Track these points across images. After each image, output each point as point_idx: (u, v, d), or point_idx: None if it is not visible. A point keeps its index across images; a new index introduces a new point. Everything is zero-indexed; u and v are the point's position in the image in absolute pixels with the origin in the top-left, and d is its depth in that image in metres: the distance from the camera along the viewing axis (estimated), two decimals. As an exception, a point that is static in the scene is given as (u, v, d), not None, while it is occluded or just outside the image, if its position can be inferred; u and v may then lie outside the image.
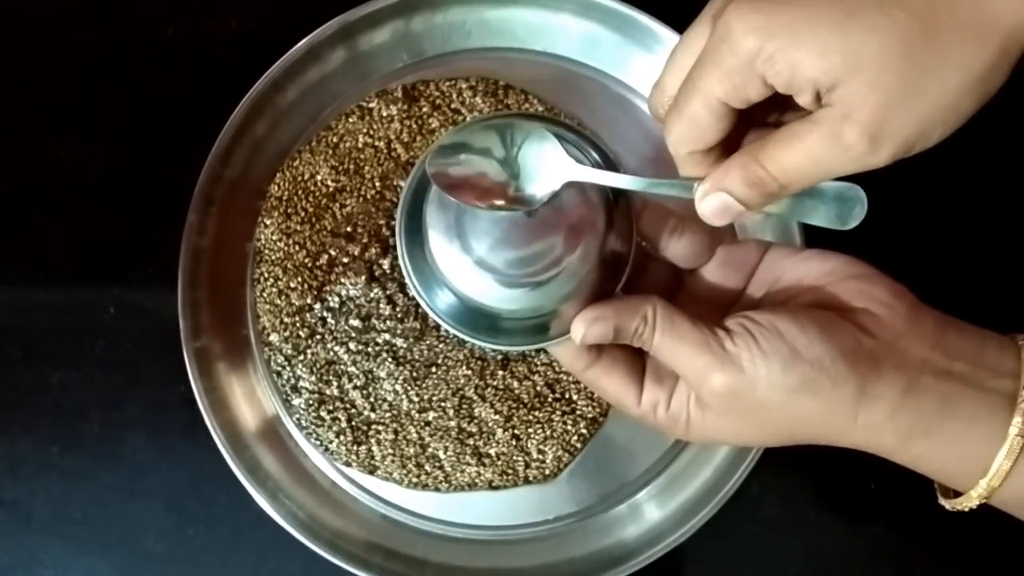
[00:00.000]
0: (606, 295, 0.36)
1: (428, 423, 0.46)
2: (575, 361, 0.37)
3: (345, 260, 0.47)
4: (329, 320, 0.47)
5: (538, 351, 0.47)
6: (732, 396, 0.34)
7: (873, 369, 0.33)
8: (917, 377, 0.33)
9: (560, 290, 0.35)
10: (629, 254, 0.37)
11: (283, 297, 0.47)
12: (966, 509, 0.35)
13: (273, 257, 0.48)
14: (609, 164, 0.37)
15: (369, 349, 0.47)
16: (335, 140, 0.49)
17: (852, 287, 0.35)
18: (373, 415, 0.47)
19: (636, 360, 0.37)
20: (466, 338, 0.37)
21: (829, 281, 0.36)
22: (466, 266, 0.35)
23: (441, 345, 0.47)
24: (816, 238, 0.38)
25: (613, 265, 0.37)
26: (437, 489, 0.46)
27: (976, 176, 0.51)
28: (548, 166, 0.35)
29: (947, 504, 0.36)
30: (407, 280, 0.37)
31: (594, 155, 0.37)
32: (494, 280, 0.35)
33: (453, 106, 0.49)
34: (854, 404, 0.33)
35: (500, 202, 0.35)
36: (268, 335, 0.47)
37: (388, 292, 0.47)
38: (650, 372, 0.37)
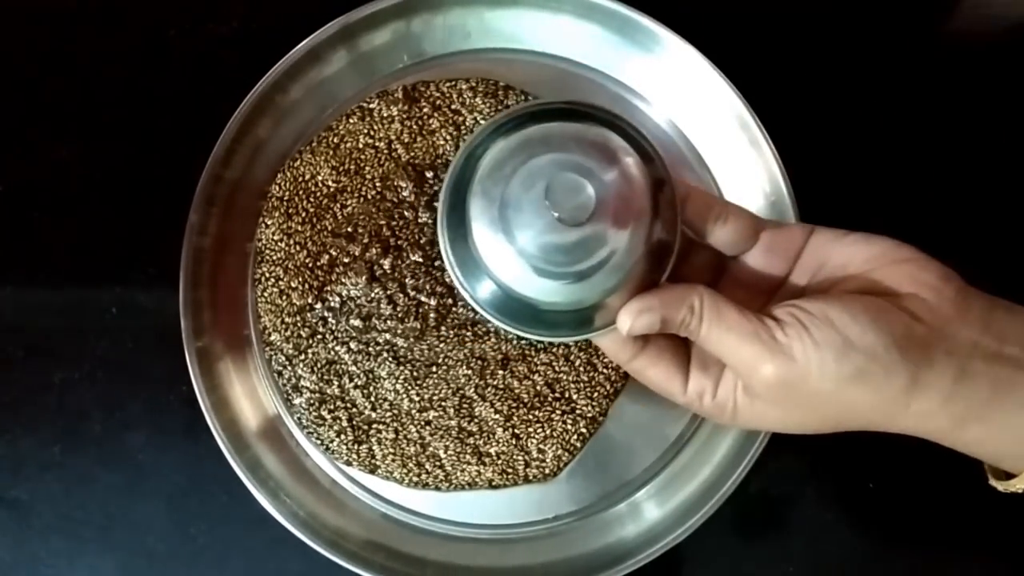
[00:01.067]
0: (652, 285, 0.36)
1: (428, 422, 0.47)
2: (620, 352, 0.37)
3: (346, 260, 0.47)
4: (330, 320, 0.47)
5: (538, 350, 0.47)
6: (783, 386, 0.33)
7: (925, 356, 0.33)
8: (968, 362, 0.33)
9: (606, 281, 0.35)
10: (675, 243, 0.36)
11: (284, 297, 0.47)
12: (1019, 490, 0.35)
13: (274, 257, 0.48)
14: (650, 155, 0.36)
15: (370, 349, 0.47)
16: (336, 141, 0.49)
17: (900, 271, 0.35)
18: (374, 414, 0.47)
19: (681, 348, 0.37)
20: (510, 330, 0.37)
21: (876, 266, 0.35)
22: (511, 258, 0.34)
23: (441, 345, 0.47)
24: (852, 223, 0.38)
25: (659, 254, 0.36)
26: (437, 488, 0.47)
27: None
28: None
29: (999, 486, 0.36)
30: (450, 272, 0.37)
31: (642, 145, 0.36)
32: (539, 272, 0.34)
33: (453, 107, 0.49)
34: (906, 392, 0.33)
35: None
36: (269, 335, 0.47)
37: (389, 292, 0.47)
38: (696, 359, 0.37)
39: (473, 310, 0.37)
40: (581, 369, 0.47)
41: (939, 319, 0.33)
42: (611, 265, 0.34)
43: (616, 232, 0.34)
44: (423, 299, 0.47)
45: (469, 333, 0.47)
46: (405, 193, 0.48)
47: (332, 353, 0.47)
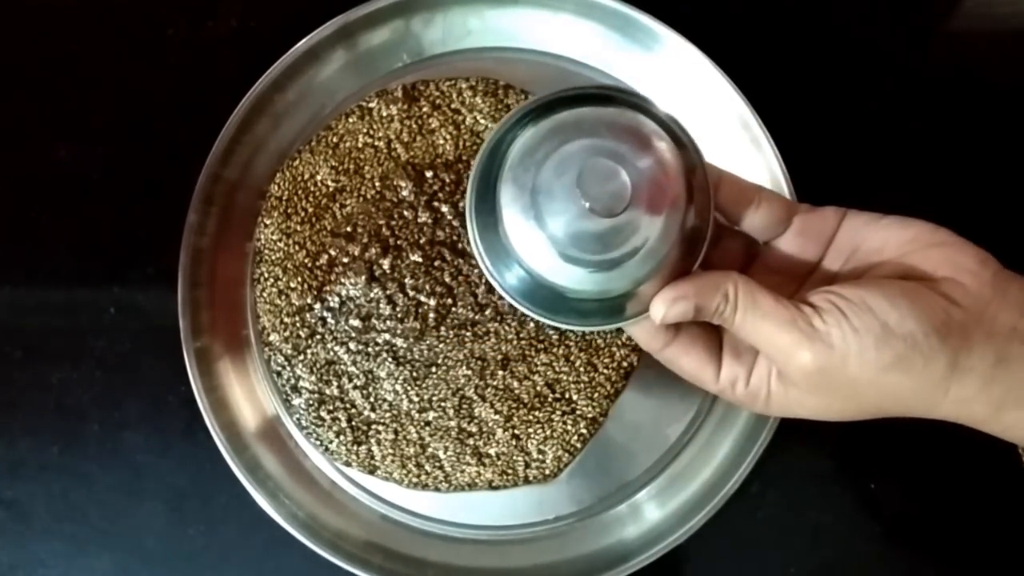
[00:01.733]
0: (684, 272, 0.35)
1: (428, 423, 0.46)
2: (653, 340, 0.36)
3: (345, 260, 0.47)
4: (329, 320, 0.47)
5: (538, 351, 0.47)
6: (821, 374, 0.33)
7: (964, 341, 0.32)
8: (1007, 346, 0.32)
9: (639, 269, 0.34)
10: (707, 229, 0.35)
11: (283, 297, 0.47)
12: None
13: (273, 257, 0.48)
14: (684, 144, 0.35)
15: (369, 349, 0.47)
16: (335, 140, 0.49)
17: (936, 255, 0.34)
18: (373, 415, 0.47)
19: (714, 335, 0.37)
20: (541, 319, 0.36)
21: (911, 249, 0.35)
22: (543, 246, 0.34)
23: (441, 345, 0.47)
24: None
25: (692, 241, 0.35)
26: (437, 489, 0.46)
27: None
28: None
29: None
30: (479, 261, 0.36)
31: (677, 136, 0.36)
32: (571, 260, 0.33)
33: (453, 106, 0.49)
34: (946, 378, 0.32)
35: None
36: (268, 335, 0.47)
37: (388, 292, 0.47)
38: (728, 347, 0.36)
39: (504, 300, 0.36)
40: (581, 369, 0.47)
41: (977, 303, 0.33)
42: (644, 253, 0.33)
43: (650, 219, 0.33)
44: (423, 299, 0.47)
45: (469, 333, 0.47)
46: (404, 193, 0.48)
47: (331, 353, 0.47)
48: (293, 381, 0.47)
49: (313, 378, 0.47)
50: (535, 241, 0.34)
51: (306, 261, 0.47)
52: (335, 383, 0.47)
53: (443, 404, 0.46)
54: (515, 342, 0.47)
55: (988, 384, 0.33)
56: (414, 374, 0.47)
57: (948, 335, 0.32)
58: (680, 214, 0.34)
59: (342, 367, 0.47)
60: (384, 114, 0.49)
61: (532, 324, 0.47)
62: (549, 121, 0.35)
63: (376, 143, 0.49)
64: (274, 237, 0.48)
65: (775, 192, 0.36)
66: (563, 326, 0.37)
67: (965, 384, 0.33)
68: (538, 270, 0.34)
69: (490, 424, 0.46)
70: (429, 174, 0.48)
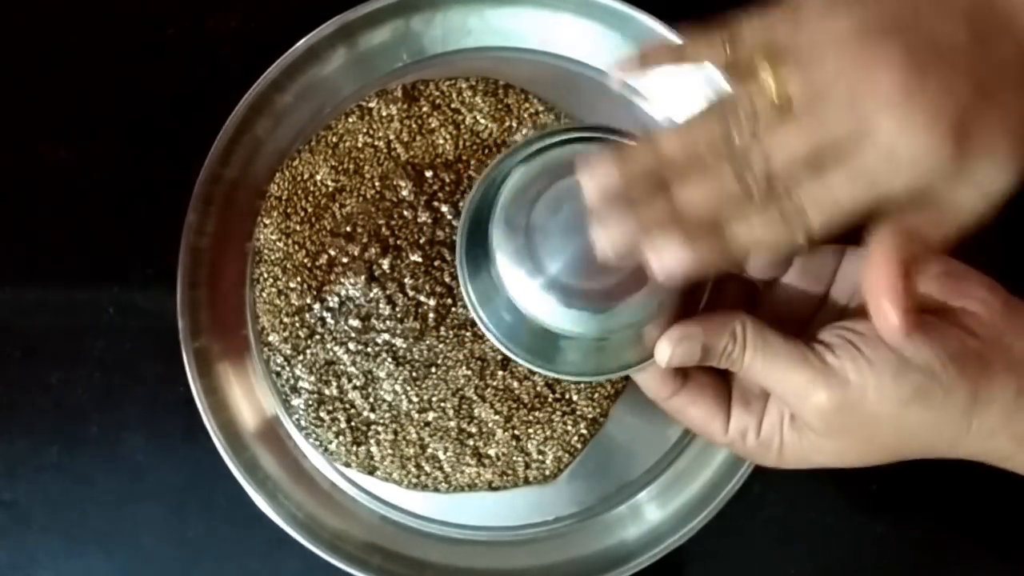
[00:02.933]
0: (688, 315, 0.34)
1: (428, 423, 0.46)
2: (660, 389, 0.35)
3: (344, 260, 0.47)
4: (328, 320, 0.47)
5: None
6: (838, 412, 0.32)
7: (983, 372, 0.31)
8: None
9: (641, 309, 0.33)
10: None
11: (282, 297, 0.47)
12: None
13: (272, 257, 0.48)
14: None
15: (368, 349, 0.47)
16: (335, 140, 0.49)
17: (944, 286, 0.33)
18: (372, 415, 0.46)
19: (722, 385, 0.35)
20: (542, 371, 0.35)
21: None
22: (539, 288, 0.33)
23: (441, 345, 0.46)
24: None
25: (695, 283, 0.34)
26: (437, 490, 0.46)
27: None
28: None
29: None
30: (472, 312, 0.35)
31: None
32: (570, 302, 0.33)
33: (453, 106, 0.49)
34: (967, 411, 0.31)
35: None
36: (267, 335, 0.47)
37: (388, 292, 0.47)
38: (737, 396, 0.35)
39: (501, 353, 0.35)
40: (581, 370, 0.47)
41: (991, 332, 0.32)
42: (646, 291, 0.33)
43: None
44: (422, 299, 0.46)
45: (469, 333, 0.46)
46: (404, 192, 0.48)
47: (331, 354, 0.47)
48: (292, 381, 0.47)
49: (312, 378, 0.47)
50: (530, 283, 0.33)
51: (305, 261, 0.47)
52: (334, 383, 0.47)
53: (443, 404, 0.46)
54: (515, 342, 0.47)
55: (1011, 416, 0.32)
56: (414, 374, 0.46)
57: (965, 365, 0.31)
58: None
59: (341, 367, 0.47)
60: (384, 114, 0.49)
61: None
62: (540, 160, 0.35)
63: (376, 143, 0.48)
64: (273, 237, 0.48)
65: None
66: (566, 377, 0.36)
67: (987, 417, 0.32)
68: (534, 313, 0.33)
69: (490, 424, 0.46)
70: (429, 174, 0.48)
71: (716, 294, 0.36)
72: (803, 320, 0.36)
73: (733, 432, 0.35)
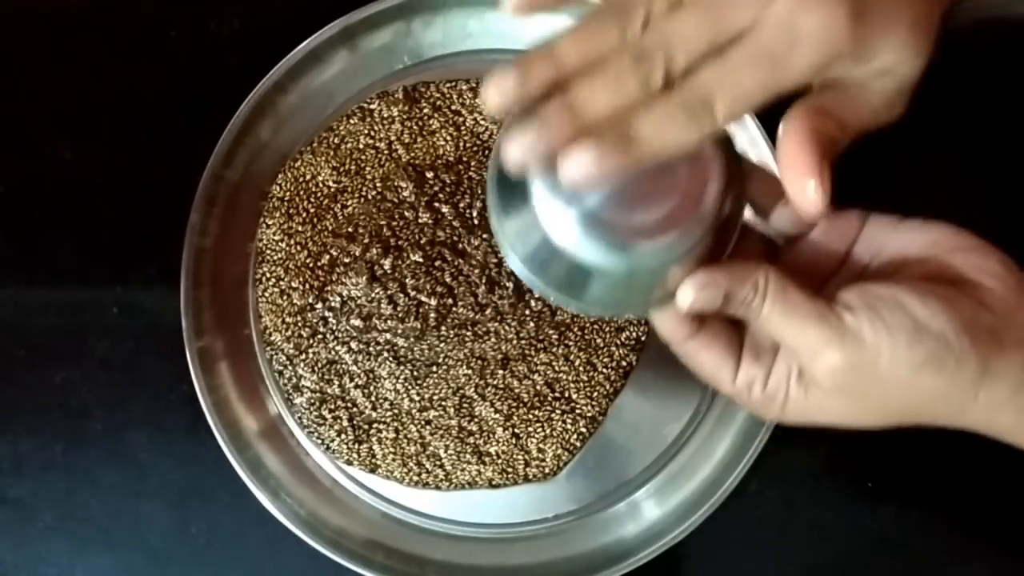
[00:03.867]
0: (713, 261, 0.34)
1: (429, 422, 0.47)
2: (676, 331, 0.35)
3: (346, 260, 0.47)
4: (330, 320, 0.47)
5: (538, 350, 0.47)
6: (849, 372, 0.32)
7: (994, 345, 0.32)
8: None
9: (672, 250, 0.32)
10: (739, 219, 0.34)
11: (285, 297, 0.48)
12: None
13: (275, 257, 0.48)
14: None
15: (370, 349, 0.47)
16: (336, 141, 0.49)
17: (961, 259, 0.33)
18: (374, 414, 0.47)
19: (735, 334, 0.35)
20: (567, 305, 0.34)
21: (934, 253, 0.34)
22: (574, 220, 0.32)
23: (442, 345, 0.47)
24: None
25: (724, 229, 0.34)
26: (437, 487, 0.47)
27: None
28: None
29: None
30: (499, 239, 0.34)
31: None
32: (604, 236, 0.32)
33: (454, 107, 0.49)
34: (976, 382, 0.32)
35: None
36: (270, 335, 0.47)
37: (389, 292, 0.47)
38: (748, 348, 0.35)
39: (527, 284, 0.35)
40: (581, 369, 0.47)
41: (1005, 308, 0.32)
42: (678, 232, 0.32)
43: (688, 200, 0.32)
44: (423, 299, 0.47)
45: (469, 333, 0.47)
46: (405, 193, 0.48)
47: (333, 353, 0.47)
48: (295, 380, 0.47)
49: (315, 377, 0.47)
50: (565, 214, 0.32)
51: (308, 261, 0.48)
52: (336, 382, 0.47)
53: (444, 403, 0.47)
54: (515, 342, 0.47)
55: (1017, 390, 0.32)
56: (415, 373, 0.47)
57: (978, 337, 0.32)
58: (718, 198, 0.33)
59: (343, 366, 0.47)
60: (385, 115, 0.49)
61: (532, 324, 0.47)
62: None
63: (377, 144, 0.49)
64: (276, 237, 0.48)
65: None
66: (588, 310, 0.35)
67: (995, 389, 0.32)
68: (566, 245, 0.33)
69: (490, 423, 0.47)
70: (430, 175, 0.48)
71: (737, 245, 0.35)
72: (822, 279, 0.36)
73: (740, 382, 0.35)
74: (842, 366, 0.32)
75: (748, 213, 0.36)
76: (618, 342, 0.47)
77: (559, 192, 0.32)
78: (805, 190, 0.32)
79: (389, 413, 0.47)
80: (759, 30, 0.29)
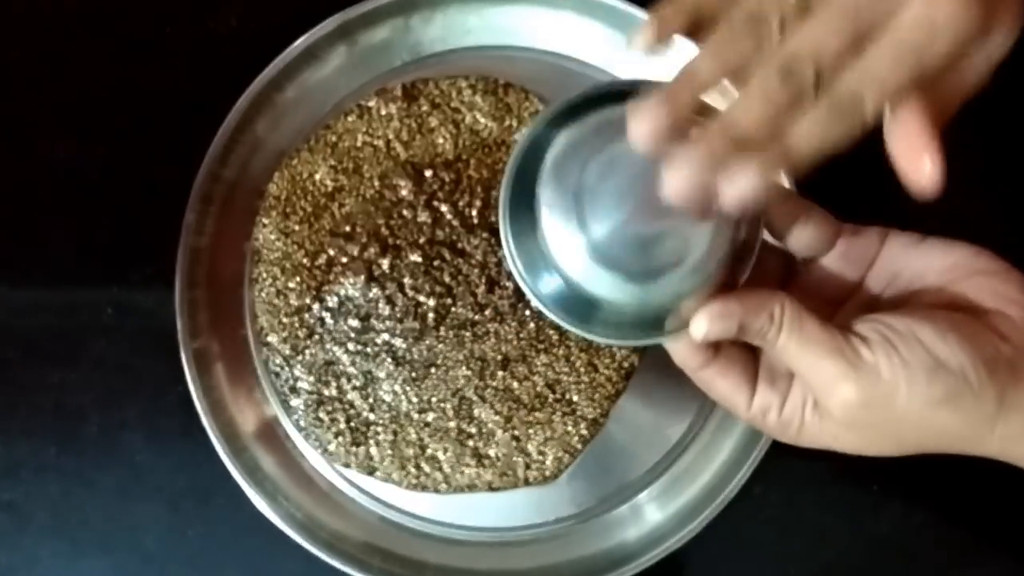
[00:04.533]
0: (728, 288, 0.33)
1: (427, 424, 0.46)
2: (691, 359, 0.35)
3: (344, 260, 0.47)
4: (328, 320, 0.47)
5: (538, 351, 0.46)
6: (864, 407, 0.32)
7: (1012, 377, 0.31)
8: None
9: (684, 283, 0.32)
10: (756, 244, 0.34)
11: (281, 297, 0.47)
12: None
13: (271, 257, 0.47)
14: None
15: (368, 350, 0.46)
16: (334, 139, 0.48)
17: (981, 285, 0.33)
18: (372, 416, 0.46)
19: (751, 360, 0.35)
20: (575, 331, 0.34)
21: (954, 277, 0.34)
22: (584, 253, 0.32)
23: (440, 346, 0.46)
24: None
25: (740, 255, 0.34)
26: (436, 490, 0.46)
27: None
28: None
29: None
30: (511, 267, 0.34)
31: None
32: (613, 269, 0.32)
33: (453, 105, 0.49)
34: (993, 416, 0.31)
35: None
36: (266, 335, 0.47)
37: (387, 292, 0.47)
38: (763, 373, 0.35)
39: (536, 310, 0.35)
40: (582, 370, 0.46)
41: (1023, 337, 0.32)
42: (691, 265, 0.32)
43: (699, 229, 0.32)
44: (422, 299, 0.46)
45: (468, 334, 0.46)
46: (404, 192, 0.47)
47: (330, 354, 0.47)
48: (292, 382, 0.47)
49: (312, 379, 0.47)
50: (574, 246, 0.32)
51: (304, 261, 0.47)
52: (334, 384, 0.47)
53: (442, 405, 0.46)
54: (515, 343, 0.46)
55: None
56: (413, 375, 0.46)
57: (996, 370, 0.31)
58: (731, 226, 0.33)
59: (341, 368, 0.47)
60: (383, 113, 0.49)
61: (532, 324, 0.46)
62: (593, 119, 0.33)
63: (375, 142, 0.48)
64: (272, 237, 0.48)
65: (823, 210, 0.35)
66: (598, 339, 0.35)
67: (1011, 421, 0.32)
68: (575, 278, 0.33)
69: (490, 425, 0.46)
70: (428, 173, 0.48)
71: (755, 268, 0.35)
72: (837, 302, 0.36)
73: (756, 408, 0.35)
74: (857, 401, 0.32)
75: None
76: (619, 343, 0.47)
77: (570, 220, 0.32)
78: (921, 167, 0.31)
79: (387, 415, 0.46)
80: (897, 24, 0.29)
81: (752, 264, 0.34)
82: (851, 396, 0.31)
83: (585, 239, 0.32)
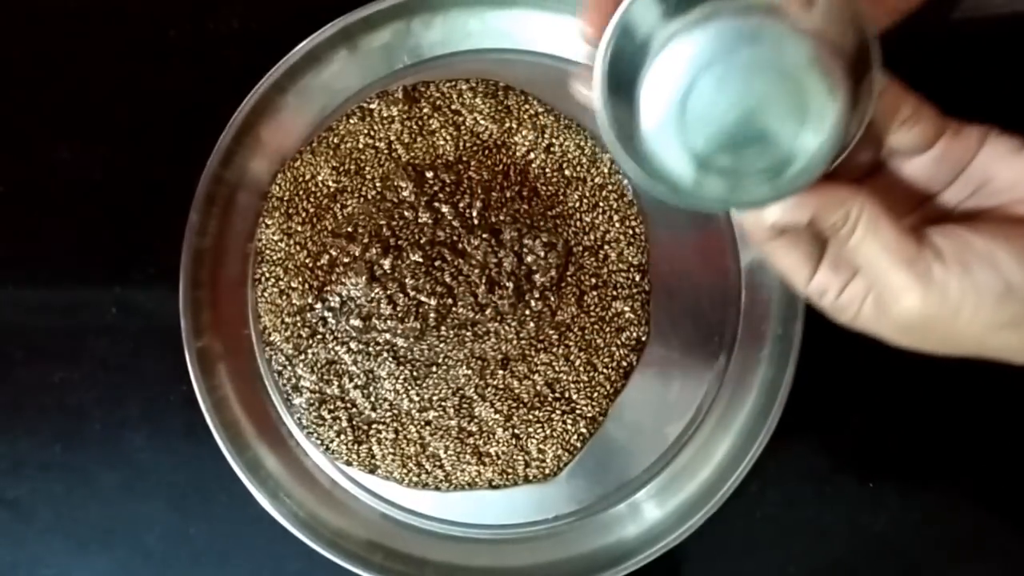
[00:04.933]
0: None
1: (428, 422, 0.47)
2: (759, 232, 0.34)
3: (346, 260, 0.47)
4: (330, 320, 0.47)
5: (538, 350, 0.47)
6: (924, 320, 0.31)
7: None
8: None
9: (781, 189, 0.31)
10: (857, 134, 0.32)
11: (284, 297, 0.47)
12: None
13: (274, 257, 0.48)
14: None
15: (370, 349, 0.47)
16: (336, 141, 0.49)
17: None
18: (374, 414, 0.47)
19: (818, 239, 0.34)
20: (664, 196, 0.32)
21: None
22: (679, 149, 0.30)
23: (441, 345, 0.47)
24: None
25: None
26: (437, 488, 0.47)
27: None
28: None
29: None
30: (606, 137, 0.32)
31: None
32: (705, 167, 0.30)
33: (453, 107, 0.49)
34: None
35: None
36: (269, 335, 0.47)
37: (389, 292, 0.47)
38: (829, 255, 0.34)
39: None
40: (581, 369, 0.47)
41: None
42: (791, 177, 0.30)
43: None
44: (423, 299, 0.47)
45: (469, 333, 0.47)
46: (405, 193, 0.48)
47: (332, 353, 0.47)
48: (294, 381, 0.47)
49: (314, 378, 0.47)
50: (672, 139, 0.30)
51: (307, 261, 0.48)
52: (336, 383, 0.47)
53: (443, 403, 0.47)
54: (515, 342, 0.47)
55: None
56: (414, 374, 0.47)
57: None
58: (844, 121, 0.30)
59: (343, 367, 0.47)
60: (385, 115, 0.49)
61: (532, 324, 0.47)
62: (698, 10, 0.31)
63: (377, 144, 0.49)
64: (275, 237, 0.48)
65: (931, 111, 0.33)
66: (673, 199, 0.32)
67: None
68: (669, 167, 0.31)
69: (490, 423, 0.47)
70: (430, 175, 0.48)
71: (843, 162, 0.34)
72: (919, 202, 0.35)
73: (813, 287, 0.34)
74: (918, 315, 0.31)
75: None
76: (618, 342, 0.47)
77: (670, 118, 0.30)
78: None
79: (389, 414, 0.47)
80: None
81: (845, 155, 0.32)
82: (914, 308, 0.31)
83: (689, 147, 0.30)
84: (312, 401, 0.47)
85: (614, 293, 0.47)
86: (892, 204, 0.33)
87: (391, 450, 0.47)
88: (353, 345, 0.47)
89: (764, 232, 0.34)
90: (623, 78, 0.32)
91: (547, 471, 0.47)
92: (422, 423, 0.47)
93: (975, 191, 0.34)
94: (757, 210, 0.33)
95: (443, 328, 0.47)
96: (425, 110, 0.49)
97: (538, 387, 0.47)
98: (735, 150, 0.30)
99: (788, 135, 0.30)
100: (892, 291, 0.31)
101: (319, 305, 0.47)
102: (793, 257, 0.34)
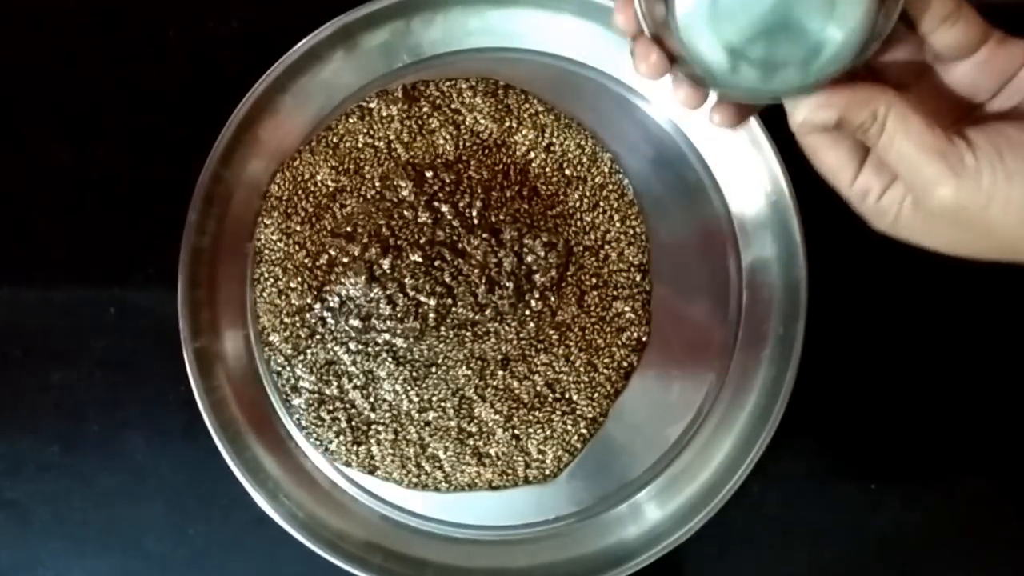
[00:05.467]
0: (848, 73, 0.32)
1: (428, 423, 0.46)
2: (806, 121, 0.33)
3: (345, 260, 0.47)
4: (329, 320, 0.47)
5: (538, 351, 0.47)
6: (959, 210, 0.31)
7: None
8: None
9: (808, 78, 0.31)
10: (886, 30, 0.31)
11: (283, 297, 0.47)
12: None
13: (273, 257, 0.48)
14: None
15: (369, 349, 0.47)
16: (335, 140, 0.49)
17: None
18: (373, 415, 0.47)
19: (862, 143, 0.34)
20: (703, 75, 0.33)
21: None
22: (719, 49, 0.31)
23: (441, 345, 0.47)
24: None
25: (865, 44, 0.31)
26: (437, 489, 0.46)
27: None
28: None
29: None
30: (643, 23, 0.33)
31: None
32: (749, 65, 0.31)
33: (453, 106, 0.49)
34: None
35: None
36: (268, 335, 0.47)
37: (388, 292, 0.47)
38: (873, 157, 0.34)
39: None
40: (581, 369, 0.47)
41: None
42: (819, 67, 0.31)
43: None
44: (422, 299, 0.47)
45: (469, 333, 0.47)
46: (404, 193, 0.48)
47: (331, 353, 0.47)
48: (293, 381, 0.47)
49: (313, 378, 0.47)
50: (708, 33, 0.31)
51: (306, 261, 0.47)
52: (335, 383, 0.47)
53: (443, 404, 0.46)
54: (515, 342, 0.47)
55: None
56: (414, 374, 0.47)
57: None
58: (872, 15, 0.30)
59: (342, 367, 0.47)
60: (384, 114, 0.49)
61: (532, 324, 0.47)
62: None
63: (376, 143, 0.49)
64: (274, 237, 0.48)
65: (974, 10, 0.32)
66: (710, 85, 0.33)
67: None
68: (706, 59, 0.31)
69: (490, 424, 0.46)
70: (429, 174, 0.48)
71: (882, 55, 0.34)
72: (960, 112, 0.35)
73: (856, 188, 0.34)
74: (953, 204, 0.31)
75: None
76: (619, 342, 0.47)
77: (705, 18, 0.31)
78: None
79: (388, 414, 0.47)
80: None
81: (875, 49, 0.32)
82: (947, 198, 0.31)
83: (722, 29, 0.31)
84: (311, 402, 0.47)
85: (615, 293, 0.47)
86: (936, 112, 0.32)
87: (390, 451, 0.46)
88: (352, 345, 0.47)
89: (809, 125, 0.33)
90: None
91: (547, 472, 0.46)
92: (422, 424, 0.46)
93: (1021, 102, 0.34)
94: (789, 100, 0.32)
95: (443, 328, 0.47)
96: (425, 109, 0.49)
97: (538, 388, 0.47)
98: (766, 40, 0.31)
99: (817, 25, 0.30)
100: (926, 184, 0.31)
101: (318, 305, 0.47)
102: (838, 152, 0.34)
